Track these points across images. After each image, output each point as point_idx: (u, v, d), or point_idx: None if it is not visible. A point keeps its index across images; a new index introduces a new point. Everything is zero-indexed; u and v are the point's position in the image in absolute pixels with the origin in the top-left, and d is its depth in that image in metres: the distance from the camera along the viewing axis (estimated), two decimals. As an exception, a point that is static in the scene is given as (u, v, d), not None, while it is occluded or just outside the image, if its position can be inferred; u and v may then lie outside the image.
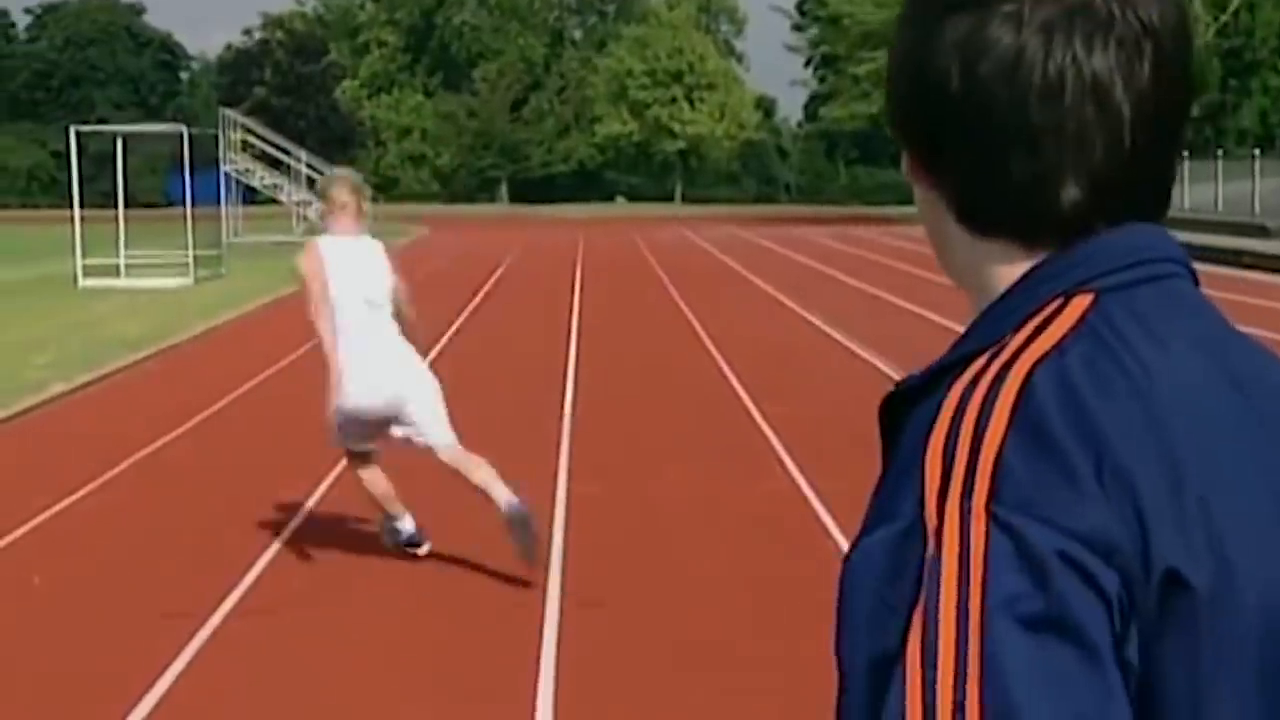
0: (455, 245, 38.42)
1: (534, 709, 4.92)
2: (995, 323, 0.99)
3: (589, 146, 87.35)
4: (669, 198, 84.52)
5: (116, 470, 8.77)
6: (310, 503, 7.86)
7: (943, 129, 1.00)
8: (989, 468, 0.88)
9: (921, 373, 0.99)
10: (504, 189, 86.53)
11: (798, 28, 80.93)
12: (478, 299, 21.31)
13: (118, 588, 6.45)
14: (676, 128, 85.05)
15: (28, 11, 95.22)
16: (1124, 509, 0.88)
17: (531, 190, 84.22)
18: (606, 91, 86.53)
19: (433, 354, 14.38)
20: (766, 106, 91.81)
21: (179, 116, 59.56)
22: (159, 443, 9.65)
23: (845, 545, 0.89)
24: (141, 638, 5.70)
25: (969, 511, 0.88)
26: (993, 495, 0.88)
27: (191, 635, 5.65)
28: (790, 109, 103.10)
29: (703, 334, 15.96)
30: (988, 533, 0.87)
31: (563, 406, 11.07)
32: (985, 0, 0.98)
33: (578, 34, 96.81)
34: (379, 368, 6.40)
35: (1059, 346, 0.94)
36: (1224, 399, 0.96)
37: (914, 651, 0.87)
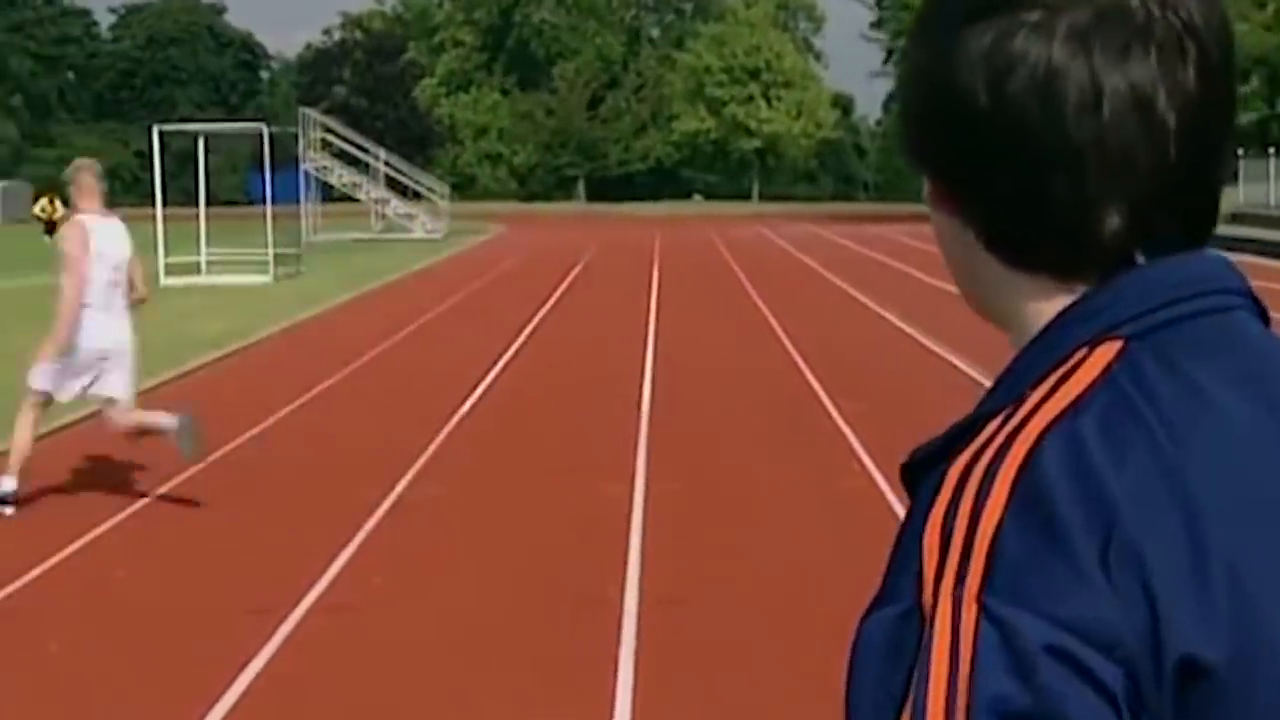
0: (533, 243, 38.61)
1: (612, 707, 4.91)
2: (1018, 378, 0.91)
3: (666, 144, 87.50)
4: (746, 196, 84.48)
5: (199, 467, 8.85)
6: (390, 499, 7.90)
7: (969, 152, 0.92)
8: (983, 551, 0.82)
9: (938, 437, 0.91)
10: (581, 187, 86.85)
11: (877, 23, 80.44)
12: (555, 296, 21.37)
13: (200, 583, 6.51)
14: (753, 125, 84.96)
15: (111, 11, 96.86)
16: (1131, 592, 0.81)
17: (609, 188, 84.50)
18: (684, 89, 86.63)
19: (511, 351, 14.45)
20: (844, 104, 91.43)
21: (259, 115, 60.24)
22: (240, 439, 9.75)
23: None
24: (224, 633, 5.74)
25: (960, 600, 0.82)
26: (985, 582, 0.82)
27: (273, 631, 5.69)
28: (868, 107, 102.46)
29: (780, 331, 15.91)
30: (978, 624, 0.81)
31: (640, 403, 11.06)
32: (1008, 8, 0.89)
33: (655, 32, 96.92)
34: (112, 322, 7.88)
35: (1074, 406, 0.86)
36: (1271, 446, 0.87)
37: None
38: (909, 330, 15.60)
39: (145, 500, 7.97)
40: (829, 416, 10.31)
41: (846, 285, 22.34)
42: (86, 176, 8.09)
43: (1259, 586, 0.83)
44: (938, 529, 0.85)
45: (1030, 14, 0.89)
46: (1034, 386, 0.88)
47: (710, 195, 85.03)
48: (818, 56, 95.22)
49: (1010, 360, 0.93)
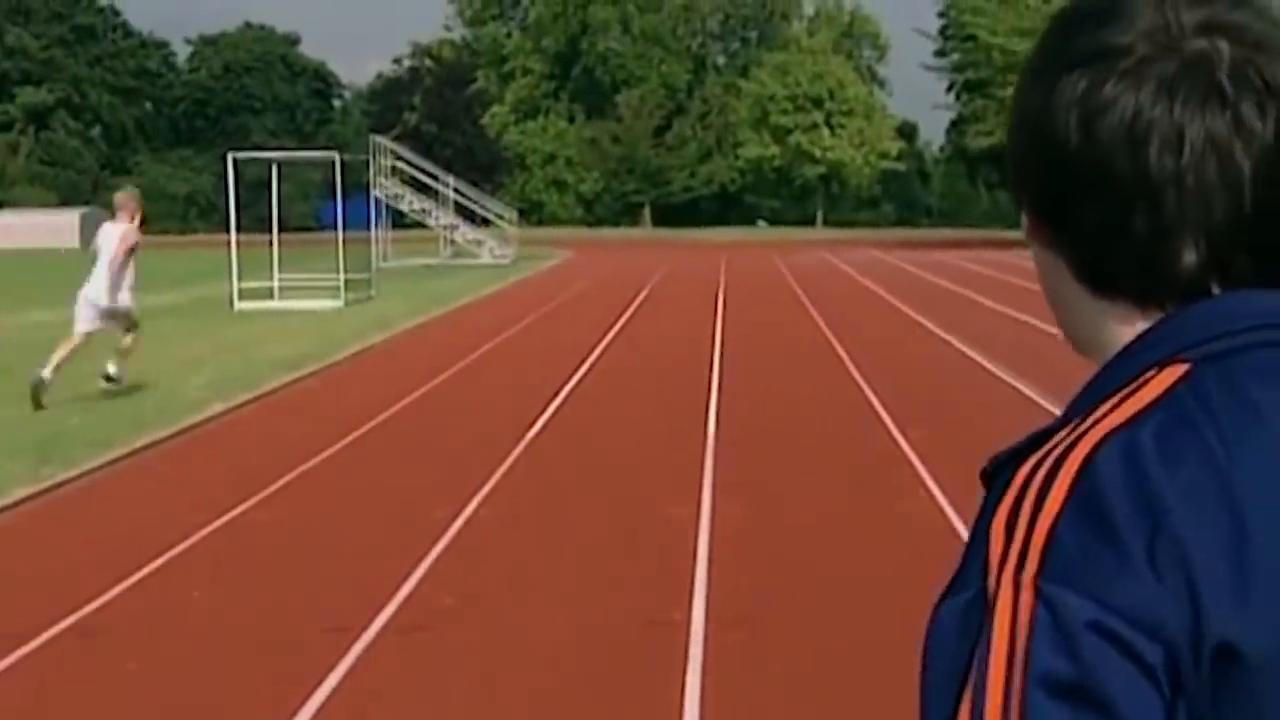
0: (600, 268, 38.72)
1: (680, 727, 4.95)
2: (1092, 394, 0.98)
3: (731, 170, 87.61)
4: (810, 222, 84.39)
5: (274, 487, 9.00)
6: (459, 521, 7.98)
7: (1062, 187, 1.00)
8: (1041, 541, 0.90)
9: (1015, 443, 0.98)
10: (647, 213, 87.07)
11: (940, 52, 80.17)
12: (623, 320, 21.45)
13: (275, 603, 6.59)
14: (817, 154, 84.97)
15: (188, 42, 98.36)
16: (1176, 585, 0.87)
17: (674, 214, 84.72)
18: (749, 116, 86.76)
19: (579, 374, 14.54)
20: (908, 132, 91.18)
21: (332, 143, 60.91)
22: (314, 461, 9.87)
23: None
24: (299, 652, 5.82)
25: (1020, 585, 0.89)
26: (1042, 569, 0.89)
27: (347, 650, 5.76)
28: (932, 132, 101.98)
29: (844, 355, 15.90)
30: (1034, 606, 0.88)
31: (706, 427, 11.10)
32: (1103, 56, 0.97)
33: (720, 60, 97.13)
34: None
35: (1135, 419, 0.93)
36: None
37: (964, 718, 0.89)
38: (972, 355, 15.54)
39: (221, 521, 8.09)
40: (893, 440, 10.31)
41: (910, 310, 22.26)
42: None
43: None
44: (1003, 521, 0.92)
45: (1123, 63, 0.97)
46: (1103, 402, 0.96)
47: (775, 221, 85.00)
48: (881, 84, 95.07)
49: (1089, 380, 1.00)
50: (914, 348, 16.96)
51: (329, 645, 5.82)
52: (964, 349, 16.20)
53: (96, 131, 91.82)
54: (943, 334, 18.15)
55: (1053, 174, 1.00)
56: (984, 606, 0.91)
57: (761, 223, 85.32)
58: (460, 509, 8.23)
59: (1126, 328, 1.00)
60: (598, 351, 17.04)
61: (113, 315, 13.08)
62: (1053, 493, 0.91)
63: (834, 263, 40.57)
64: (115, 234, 13.00)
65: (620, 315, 22.34)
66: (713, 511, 8.16)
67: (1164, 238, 0.96)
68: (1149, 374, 0.96)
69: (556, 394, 13.04)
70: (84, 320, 12.93)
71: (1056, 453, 0.93)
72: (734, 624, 6.10)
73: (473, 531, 7.80)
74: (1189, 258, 0.97)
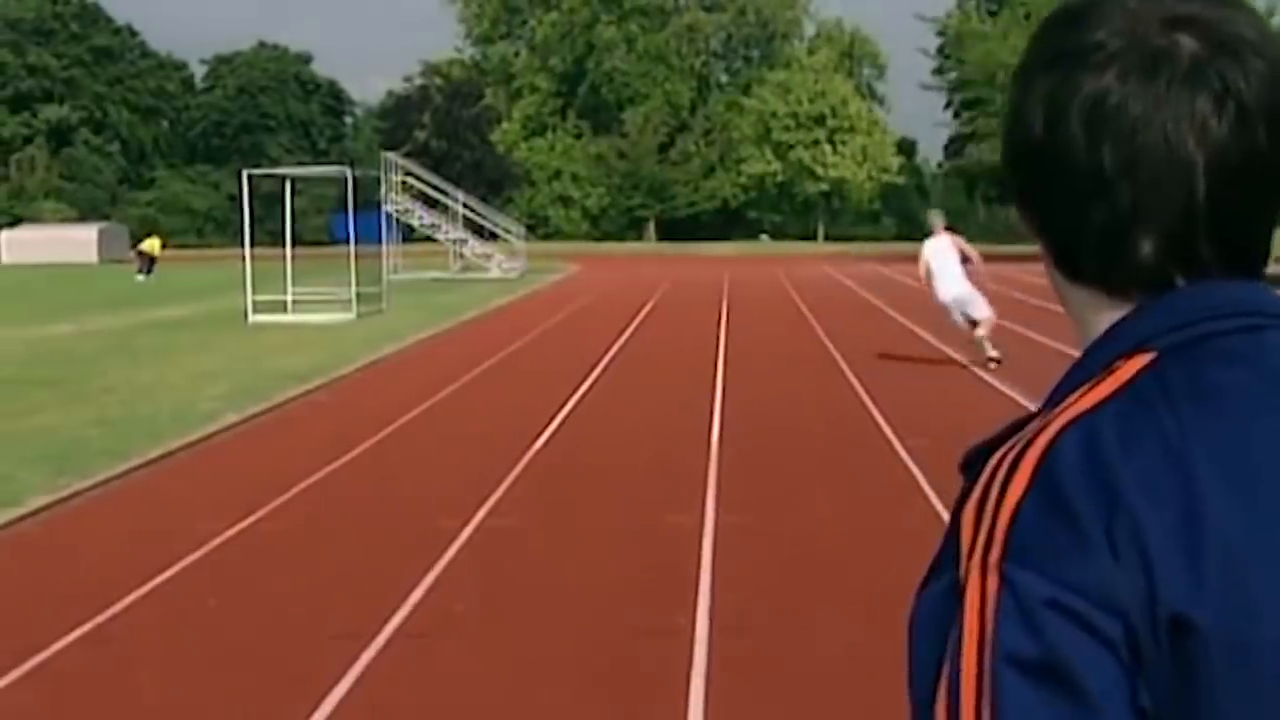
0: (606, 282, 38.80)
1: (684, 730, 5.01)
2: (1066, 385, 1.02)
3: (734, 186, 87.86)
4: (811, 236, 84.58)
5: (286, 497, 9.10)
6: (468, 530, 8.08)
7: (1031, 179, 1.04)
8: (1005, 526, 0.93)
9: (992, 434, 1.02)
10: (651, 228, 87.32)
11: (939, 70, 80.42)
12: (628, 332, 21.53)
13: (288, 610, 6.67)
14: (819, 170, 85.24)
15: (203, 62, 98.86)
16: (1131, 560, 0.91)
17: (677, 229, 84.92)
18: (752, 133, 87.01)
19: (586, 385, 14.64)
20: (907, 148, 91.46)
21: (344, 159, 61.12)
22: (325, 471, 9.98)
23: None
24: (311, 659, 5.90)
25: (986, 569, 0.93)
26: (1005, 552, 0.92)
27: (357, 656, 5.84)
28: (931, 149, 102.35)
29: (844, 366, 16.01)
30: (999, 589, 0.92)
31: (710, 437, 11.20)
32: (1075, 54, 1.01)
33: (723, 78, 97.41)
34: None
35: (1098, 405, 0.96)
36: (1278, 440, 0.95)
37: (942, 702, 0.93)
38: (971, 367, 15.64)
39: (235, 529, 8.19)
40: (893, 451, 10.42)
41: (910, 323, 22.32)
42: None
43: (1251, 563, 0.92)
44: (973, 509, 0.97)
45: (1091, 59, 1.00)
46: (1074, 390, 1.00)
47: (777, 235, 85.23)
48: (881, 101, 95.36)
49: (1066, 371, 1.04)
50: (914, 359, 17.05)
51: (339, 652, 5.89)
52: (963, 361, 16.29)
53: (115, 148, 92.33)
54: (942, 346, 18.23)
55: (1026, 166, 1.04)
56: (957, 592, 0.95)
57: (764, 237, 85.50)
58: (469, 518, 8.32)
59: (1104, 315, 1.03)
60: (604, 363, 17.15)
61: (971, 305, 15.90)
62: (1016, 479, 0.95)
63: (837, 277, 40.60)
64: (954, 244, 16.20)
65: (626, 327, 22.44)
66: (716, 519, 8.26)
67: (1120, 229, 0.99)
68: (1117, 363, 0.99)
69: (564, 405, 13.14)
70: (973, 311, 15.99)
71: (1024, 441, 0.97)
72: (737, 631, 6.17)
73: (481, 540, 7.88)
74: (1145, 249, 0.99)
